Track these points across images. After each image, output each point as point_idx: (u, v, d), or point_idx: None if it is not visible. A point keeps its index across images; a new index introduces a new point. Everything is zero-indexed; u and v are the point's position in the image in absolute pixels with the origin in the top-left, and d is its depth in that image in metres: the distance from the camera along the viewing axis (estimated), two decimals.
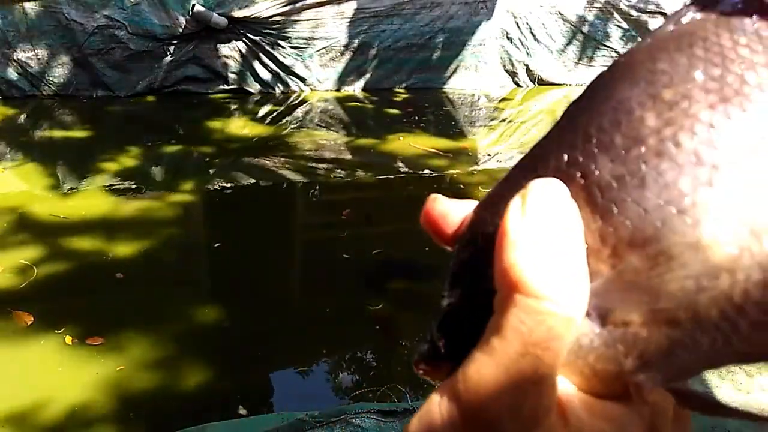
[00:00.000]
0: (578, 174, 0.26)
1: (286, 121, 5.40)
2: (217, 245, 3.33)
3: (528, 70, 6.66)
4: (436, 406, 0.26)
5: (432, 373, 0.30)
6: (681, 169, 0.24)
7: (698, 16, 0.28)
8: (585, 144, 0.26)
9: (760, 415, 0.31)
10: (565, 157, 0.27)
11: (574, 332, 0.25)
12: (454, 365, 0.27)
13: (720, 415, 0.28)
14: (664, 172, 0.25)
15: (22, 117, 5.19)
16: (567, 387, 0.26)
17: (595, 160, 0.26)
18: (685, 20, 0.28)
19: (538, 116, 5.84)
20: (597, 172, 0.26)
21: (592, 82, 0.29)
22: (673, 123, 0.25)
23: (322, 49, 6.00)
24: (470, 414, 0.25)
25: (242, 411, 2.23)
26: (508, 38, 6.50)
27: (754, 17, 0.27)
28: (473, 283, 0.28)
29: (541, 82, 6.70)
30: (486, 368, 0.25)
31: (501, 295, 0.25)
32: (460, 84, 6.51)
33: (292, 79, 6.03)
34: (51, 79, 5.50)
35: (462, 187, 4.17)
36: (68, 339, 2.49)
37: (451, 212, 0.31)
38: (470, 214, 0.30)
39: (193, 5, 5.36)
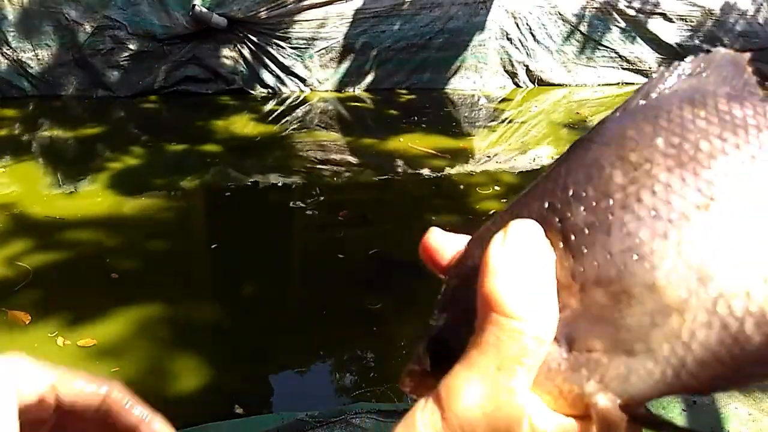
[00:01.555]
0: (556, 219, 0.30)
1: (286, 121, 5.40)
2: (214, 246, 3.33)
3: (528, 71, 6.66)
4: (420, 412, 0.30)
5: (417, 389, 0.34)
6: (641, 221, 0.28)
7: (666, 90, 0.32)
8: (563, 193, 0.31)
9: None
10: (546, 204, 0.31)
11: (544, 353, 0.29)
12: (438, 381, 0.30)
13: None
14: (627, 222, 0.29)
15: (22, 117, 5.19)
16: (538, 404, 0.29)
17: (571, 208, 0.30)
18: (653, 95, 0.32)
19: (538, 117, 5.84)
20: (572, 218, 0.30)
21: (573, 144, 0.33)
22: (636, 182, 0.29)
23: (322, 49, 5.99)
24: (451, 421, 0.28)
25: (239, 411, 2.22)
26: (507, 39, 6.50)
27: (720, 93, 0.31)
28: (458, 307, 0.32)
29: (541, 83, 6.69)
30: (466, 379, 0.29)
31: (481, 316, 0.29)
32: (460, 84, 6.51)
33: (292, 80, 6.03)
34: (51, 79, 5.50)
35: (462, 187, 4.16)
36: (61, 340, 2.48)
37: (446, 246, 0.34)
38: (462, 248, 0.34)
39: (193, 5, 5.36)
